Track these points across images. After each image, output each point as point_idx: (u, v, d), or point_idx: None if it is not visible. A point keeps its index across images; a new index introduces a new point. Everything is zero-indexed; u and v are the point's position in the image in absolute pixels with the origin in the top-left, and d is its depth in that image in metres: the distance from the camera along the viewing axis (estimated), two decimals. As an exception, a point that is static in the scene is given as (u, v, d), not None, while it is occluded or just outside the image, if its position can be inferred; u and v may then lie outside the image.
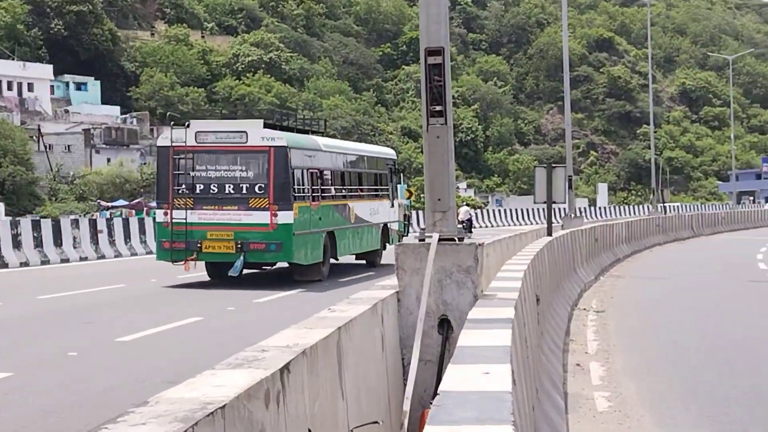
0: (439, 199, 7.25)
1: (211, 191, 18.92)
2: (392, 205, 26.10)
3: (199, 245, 18.96)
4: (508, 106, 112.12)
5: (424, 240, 7.24)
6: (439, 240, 7.12)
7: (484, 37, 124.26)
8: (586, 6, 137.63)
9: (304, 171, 19.64)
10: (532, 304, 9.43)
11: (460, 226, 30.35)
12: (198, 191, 19.01)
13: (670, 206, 75.07)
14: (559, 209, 58.97)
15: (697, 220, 48.89)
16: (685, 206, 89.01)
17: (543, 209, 35.32)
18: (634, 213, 74.51)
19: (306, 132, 21.83)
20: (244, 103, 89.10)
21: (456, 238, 7.20)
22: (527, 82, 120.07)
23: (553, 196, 20.36)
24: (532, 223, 58.02)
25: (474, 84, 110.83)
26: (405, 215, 29.13)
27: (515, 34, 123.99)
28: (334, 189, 21.42)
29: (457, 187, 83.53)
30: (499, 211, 63.70)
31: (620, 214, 73.18)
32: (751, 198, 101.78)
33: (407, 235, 28.17)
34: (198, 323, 13.78)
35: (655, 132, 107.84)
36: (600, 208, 75.81)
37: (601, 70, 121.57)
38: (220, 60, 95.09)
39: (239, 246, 18.73)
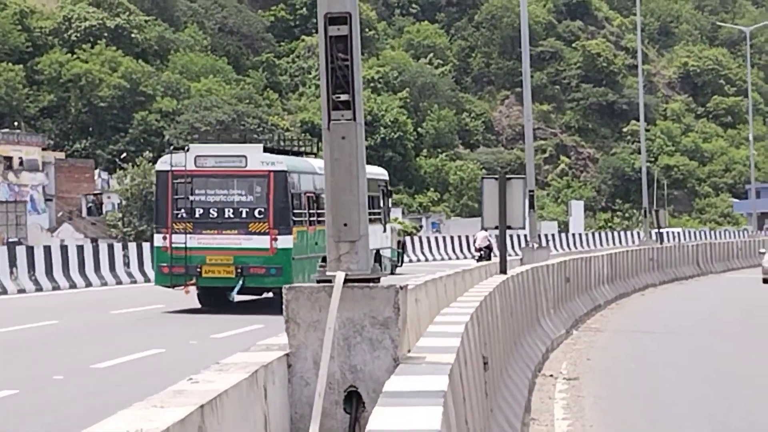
0: (345, 225, 7.26)
1: (211, 215, 25.22)
2: (384, 230, 33.16)
3: (198, 270, 25.22)
4: (449, 94, 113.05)
5: (325, 281, 7.24)
6: (346, 281, 7.11)
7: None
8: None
9: (302, 195, 25.98)
10: (477, 370, 9.47)
11: (477, 254, 31.29)
12: (197, 215, 25.30)
13: (668, 233, 76.42)
14: (518, 237, 59.69)
15: (705, 252, 49.90)
16: (689, 233, 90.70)
17: (495, 237, 35.46)
18: (620, 242, 75.68)
19: (300, 154, 28.22)
20: (79, 86, 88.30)
21: (369, 279, 7.21)
22: (474, 60, 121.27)
23: (508, 219, 20.54)
24: (465, 257, 58.43)
25: (401, 62, 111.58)
26: (399, 242, 36.53)
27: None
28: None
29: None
30: (436, 238, 64.10)
31: (601, 244, 74.25)
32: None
33: (401, 265, 36.19)
34: (158, 355, 18.25)
35: (647, 131, 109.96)
36: (574, 235, 76.83)
37: (574, 45, 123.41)
38: (45, 26, 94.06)
39: (239, 270, 25.00)
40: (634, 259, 38.04)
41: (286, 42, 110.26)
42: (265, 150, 26.12)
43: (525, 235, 39.05)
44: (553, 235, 72.93)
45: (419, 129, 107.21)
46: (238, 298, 25.75)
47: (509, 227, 20.63)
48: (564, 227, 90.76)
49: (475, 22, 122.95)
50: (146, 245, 40.23)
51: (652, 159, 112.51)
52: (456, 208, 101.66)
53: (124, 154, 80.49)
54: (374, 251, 30.88)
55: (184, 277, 25.36)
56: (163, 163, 26.15)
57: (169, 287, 26.05)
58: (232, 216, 25.21)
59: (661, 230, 56.46)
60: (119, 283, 37.89)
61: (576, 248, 68.06)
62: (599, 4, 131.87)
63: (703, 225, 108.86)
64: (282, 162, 25.62)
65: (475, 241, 38.19)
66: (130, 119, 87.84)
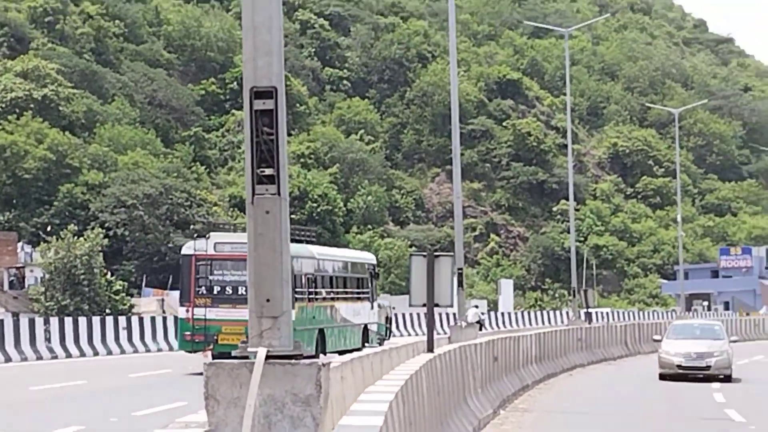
0: (267, 300, 7.24)
1: (227, 292, 30.47)
2: (372, 307, 38.66)
3: (215, 338, 30.36)
4: (379, 170, 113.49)
5: (245, 357, 7.20)
6: (268, 357, 7.08)
7: (346, 73, 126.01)
8: (484, 36, 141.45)
9: (303, 276, 31.41)
10: (401, 449, 9.42)
11: (464, 324, 32.65)
12: (215, 292, 30.56)
13: (597, 313, 76.93)
14: (447, 315, 59.72)
15: (633, 332, 50.19)
16: (618, 313, 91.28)
17: (423, 314, 35.50)
18: (550, 321, 75.98)
19: (301, 242, 32.96)
20: (3, 157, 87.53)
21: (292, 356, 7.18)
22: (405, 137, 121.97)
23: (435, 297, 20.56)
24: (410, 334, 58.41)
25: (332, 137, 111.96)
26: (387, 317, 42.12)
27: (389, 70, 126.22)
28: (324, 291, 33.82)
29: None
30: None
31: (530, 323, 74.46)
32: (706, 303, 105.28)
33: (389, 338, 40.73)
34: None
35: (577, 210, 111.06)
36: (503, 313, 77.02)
37: (504, 123, 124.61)
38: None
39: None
40: (562, 338, 38.16)
41: (216, 116, 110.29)
42: None
43: (453, 314, 39.10)
44: (482, 314, 72.96)
45: (349, 205, 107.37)
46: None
47: (437, 305, 20.66)
48: (494, 306, 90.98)
49: (406, 99, 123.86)
50: (68, 320, 39.97)
51: (582, 239, 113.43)
52: (385, 286, 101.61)
53: (49, 227, 79.76)
54: (363, 326, 37.55)
55: (204, 344, 30.48)
56: (187, 248, 31.75)
57: (190, 352, 31.02)
58: (244, 293, 27.72)
59: (589, 310, 56.82)
60: (39, 358, 37.39)
61: (505, 327, 68.24)
62: (530, 84, 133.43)
63: (632, 305, 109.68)
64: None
65: (466, 317, 40.33)
66: (56, 192, 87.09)
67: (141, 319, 45.95)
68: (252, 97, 7.20)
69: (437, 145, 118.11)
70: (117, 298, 69.27)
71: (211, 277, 30.73)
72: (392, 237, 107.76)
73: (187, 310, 30.91)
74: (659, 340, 36.12)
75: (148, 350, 43.25)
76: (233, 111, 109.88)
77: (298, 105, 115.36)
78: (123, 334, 42.71)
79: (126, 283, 74.87)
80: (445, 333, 41.86)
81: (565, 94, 66.88)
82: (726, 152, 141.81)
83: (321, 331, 32.30)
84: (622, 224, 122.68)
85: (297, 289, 30.62)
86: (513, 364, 28.64)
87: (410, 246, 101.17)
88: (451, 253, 22.89)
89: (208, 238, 31.03)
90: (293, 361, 7.20)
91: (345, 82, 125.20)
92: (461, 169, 33.60)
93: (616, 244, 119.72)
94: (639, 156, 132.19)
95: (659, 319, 76.30)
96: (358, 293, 37.55)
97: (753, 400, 28.53)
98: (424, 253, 21.10)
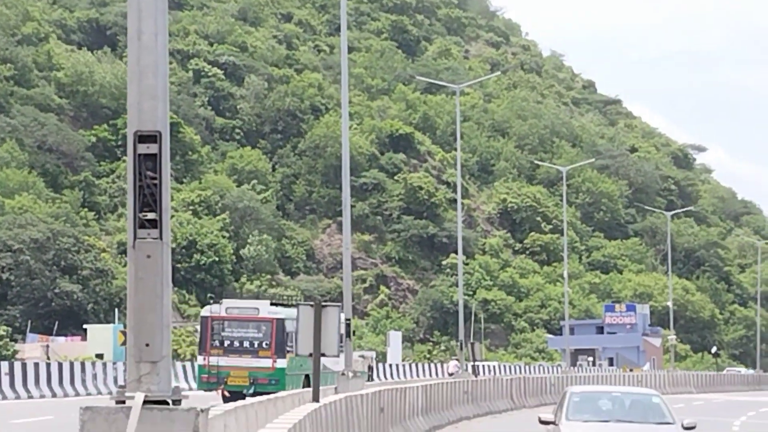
0: (147, 345, 7.16)
1: (235, 345, 38.96)
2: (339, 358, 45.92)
3: (225, 380, 38.87)
4: (270, 220, 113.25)
5: (123, 402, 7.11)
6: (146, 402, 7.00)
7: (238, 123, 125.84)
8: (378, 90, 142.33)
9: (292, 333, 35.48)
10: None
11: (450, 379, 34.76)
12: (226, 345, 39.06)
13: (484, 366, 77.34)
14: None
15: (519, 386, 50.49)
16: (505, 366, 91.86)
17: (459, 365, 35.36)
18: (438, 374, 76.14)
19: (293, 306, 37.26)
20: None
21: (170, 401, 7.10)
22: (297, 187, 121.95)
23: (322, 347, 20.54)
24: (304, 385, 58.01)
25: (223, 186, 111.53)
26: (369, 366, 52.42)
27: (282, 121, 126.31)
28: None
29: (196, 330, 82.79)
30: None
31: (418, 374, 74.54)
32: (591, 358, 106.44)
33: (371, 382, 46.45)
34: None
35: (466, 264, 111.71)
36: (391, 365, 77.04)
37: (396, 177, 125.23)
38: None
39: (252, 380, 38.52)
40: (448, 391, 38.25)
41: (107, 162, 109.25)
42: (271, 304, 41.74)
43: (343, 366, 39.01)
44: (370, 366, 72.90)
45: (239, 254, 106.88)
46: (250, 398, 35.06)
47: (323, 354, 20.62)
48: (382, 358, 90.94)
49: (298, 150, 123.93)
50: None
51: (471, 293, 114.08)
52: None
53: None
54: (340, 372, 43.69)
55: (216, 384, 39.17)
56: (205, 311, 40.93)
57: (206, 391, 39.48)
58: (248, 346, 39.25)
59: (476, 364, 57.06)
60: None
61: (393, 379, 68.22)
62: (422, 139, 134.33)
63: (519, 359, 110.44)
64: (280, 312, 39.72)
65: (448, 368, 53.70)
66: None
67: (24, 365, 45.13)
68: (136, 140, 7.17)
69: (329, 197, 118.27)
70: (0, 343, 67.99)
71: (222, 334, 39.47)
72: (282, 287, 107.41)
73: (204, 358, 39.88)
74: (550, 422, 20.11)
75: (30, 396, 42.44)
76: (124, 157, 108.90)
77: (190, 153, 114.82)
78: (5, 379, 41.89)
79: (10, 328, 73.56)
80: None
81: (456, 150, 67.43)
82: (612, 210, 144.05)
83: (306, 376, 38.20)
84: (510, 279, 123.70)
85: (289, 344, 38.56)
86: (399, 416, 28.63)
87: (300, 296, 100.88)
88: (339, 304, 22.87)
89: (221, 303, 40.97)
90: (171, 406, 7.13)
91: (238, 131, 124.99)
92: (352, 221, 33.65)
93: (504, 299, 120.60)
94: (528, 212, 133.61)
95: (545, 373, 76.92)
96: (336, 342, 43.88)
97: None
98: (312, 303, 21.09)
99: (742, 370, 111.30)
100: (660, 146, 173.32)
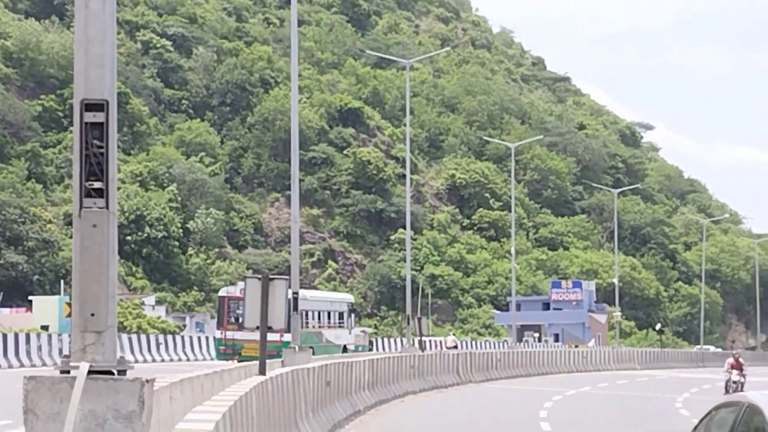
0: (92, 315, 7.12)
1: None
2: (350, 333, 55.20)
3: (239, 351, 44.97)
4: (218, 193, 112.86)
5: (67, 372, 7.07)
6: (91, 372, 6.96)
7: (187, 95, 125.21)
8: (327, 64, 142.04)
9: (300, 311, 39.56)
10: (226, 470, 9.36)
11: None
12: (240, 321, 40.52)
13: (431, 341, 77.55)
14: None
15: (466, 361, 50.75)
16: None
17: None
18: (384, 348, 76.36)
19: (305, 287, 51.22)
20: None
21: (115, 371, 7.07)
22: (245, 161, 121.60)
23: (269, 320, 20.50)
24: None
25: (171, 158, 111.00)
26: (369, 341, 60.28)
27: (231, 94, 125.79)
28: (313, 322, 49.63)
29: (143, 303, 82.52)
30: (200, 338, 63.48)
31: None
32: (537, 334, 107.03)
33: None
34: None
35: (414, 240, 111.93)
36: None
37: (345, 151, 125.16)
38: None
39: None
40: (395, 365, 38.38)
41: (54, 132, 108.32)
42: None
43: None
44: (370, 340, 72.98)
45: (187, 227, 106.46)
46: None
47: (270, 328, 20.60)
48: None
49: (248, 123, 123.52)
50: None
51: (418, 268, 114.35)
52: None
53: None
54: (342, 345, 53.29)
55: (231, 355, 45.31)
56: (222, 291, 49.95)
57: (223, 360, 45.08)
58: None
59: (423, 339, 57.27)
60: None
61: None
62: (371, 113, 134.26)
63: (465, 335, 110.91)
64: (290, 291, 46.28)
65: (445, 343, 58.77)
66: None
67: (-33, 336, 44.82)
68: (82, 109, 7.11)
69: (277, 170, 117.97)
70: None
71: (237, 311, 44.51)
72: (231, 260, 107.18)
73: (222, 333, 47.66)
74: None
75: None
76: (71, 128, 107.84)
77: (138, 124, 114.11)
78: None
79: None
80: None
81: (405, 125, 67.42)
82: (560, 187, 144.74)
83: (312, 348, 42.98)
84: (458, 255, 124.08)
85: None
86: (345, 390, 28.70)
87: (248, 269, 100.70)
88: (286, 277, 22.86)
89: (236, 284, 48.91)
90: (116, 376, 7.10)
91: (186, 103, 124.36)
92: (301, 195, 33.60)
93: (452, 274, 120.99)
94: (476, 188, 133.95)
95: (491, 349, 77.33)
96: (339, 323, 54.58)
97: (577, 427, 29.08)
98: (259, 276, 21.06)
99: (711, 348, 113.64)
100: (608, 124, 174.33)
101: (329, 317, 53.51)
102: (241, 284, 42.60)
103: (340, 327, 54.15)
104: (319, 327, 51.41)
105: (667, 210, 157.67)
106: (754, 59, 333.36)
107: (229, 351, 45.39)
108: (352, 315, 57.12)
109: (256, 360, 39.38)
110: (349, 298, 61.23)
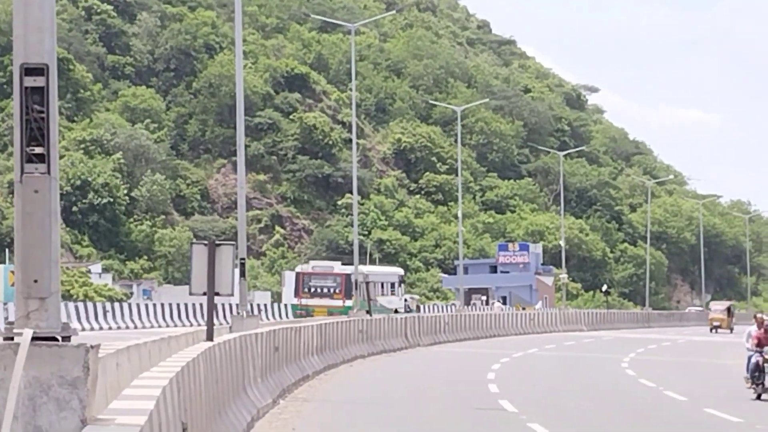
0: (35, 281, 7.07)
1: (318, 291, 61.13)
2: (400, 299, 68.48)
3: (311, 314, 58.13)
4: (164, 160, 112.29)
5: (11, 338, 7.02)
6: (35, 339, 6.92)
7: (131, 60, 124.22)
8: (272, 29, 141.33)
9: (358, 283, 55.01)
10: (174, 436, 9.35)
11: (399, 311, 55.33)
12: (312, 291, 62.13)
13: (380, 306, 77.55)
14: (229, 305, 59.50)
15: (414, 325, 50.97)
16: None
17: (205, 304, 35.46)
18: (332, 313, 76.39)
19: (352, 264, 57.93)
20: None
21: (59, 338, 7.03)
22: (191, 127, 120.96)
23: (216, 286, 20.47)
24: (193, 324, 58.04)
25: (116, 125, 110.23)
26: (417, 305, 75.52)
27: (175, 59, 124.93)
28: (370, 290, 56.56)
29: (89, 271, 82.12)
30: (147, 305, 63.28)
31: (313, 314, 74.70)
32: (484, 297, 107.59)
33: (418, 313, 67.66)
34: None
35: (361, 204, 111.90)
36: (286, 305, 77.15)
37: (291, 116, 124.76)
38: None
39: (329, 314, 52.87)
40: (343, 330, 38.48)
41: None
42: (343, 264, 64.48)
43: (236, 304, 39.12)
44: (266, 306, 73.04)
45: (132, 194, 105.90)
46: None
47: (217, 294, 20.57)
48: (278, 298, 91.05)
49: (193, 89, 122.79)
50: None
51: (366, 232, 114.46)
52: (168, 276, 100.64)
53: None
54: (394, 309, 64.94)
55: (305, 317, 53.78)
56: (298, 268, 65.22)
57: None
58: (325, 291, 59.65)
59: (370, 302, 57.45)
60: None
61: (288, 318, 68.40)
62: (317, 78, 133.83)
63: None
64: (347, 269, 60.59)
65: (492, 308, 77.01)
66: None
67: None
68: (22, 73, 7.04)
69: (223, 136, 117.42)
70: None
71: (309, 283, 60.53)
72: (177, 227, 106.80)
73: (298, 300, 62.09)
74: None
75: None
76: (13, 95, 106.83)
77: (81, 91, 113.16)
78: None
79: None
80: (228, 323, 41.87)
81: (351, 89, 67.34)
82: (506, 151, 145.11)
83: (367, 311, 51.76)
84: (405, 219, 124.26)
85: (353, 290, 57.19)
86: (294, 355, 28.75)
87: (195, 236, 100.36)
88: (233, 242, 22.82)
89: (308, 263, 66.21)
90: (60, 342, 7.06)
91: (130, 69, 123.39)
92: (247, 161, 33.53)
93: (399, 239, 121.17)
94: (423, 152, 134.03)
95: (439, 312, 77.68)
96: (391, 291, 69.16)
97: (524, 389, 29.32)
98: (205, 242, 21.00)
99: (693, 308, 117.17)
100: (553, 87, 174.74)
101: (382, 287, 67.80)
102: (312, 263, 60.20)
103: (392, 294, 68.63)
104: (375, 295, 63.49)
105: (613, 172, 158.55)
106: (698, 21, 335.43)
107: (303, 314, 56.20)
108: (402, 285, 73.15)
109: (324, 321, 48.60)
110: (400, 271, 76.20)
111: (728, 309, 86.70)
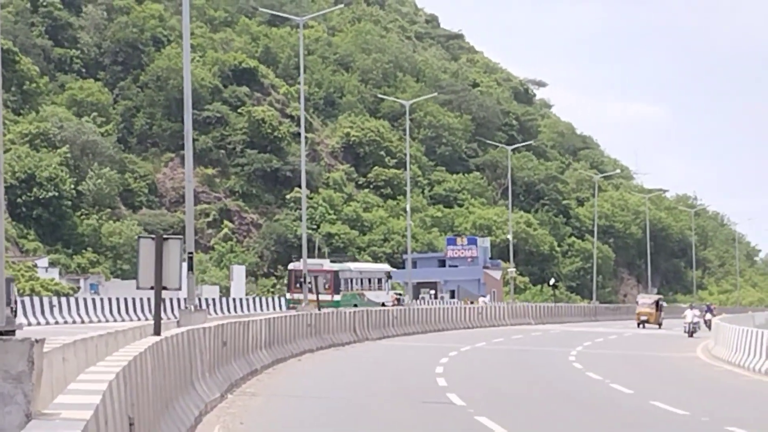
0: (-21, 275, 6.98)
1: (309, 285, 57.20)
2: (386, 293, 74.50)
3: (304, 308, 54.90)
4: (111, 153, 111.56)
5: (-45, 334, 6.93)
6: (-21, 334, 6.84)
7: (77, 53, 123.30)
8: (221, 22, 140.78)
9: (346, 279, 69.99)
10: (121, 430, 9.28)
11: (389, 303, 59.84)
12: (301, 286, 59.70)
13: (367, 300, 77.53)
14: (177, 300, 59.25)
15: (362, 319, 50.96)
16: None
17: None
18: (281, 307, 76.30)
19: (343, 261, 75.79)
20: None
21: (4, 332, 6.96)
22: (138, 120, 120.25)
23: (164, 280, 20.37)
24: (140, 319, 57.77)
25: (62, 118, 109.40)
26: (399, 300, 79.69)
27: (122, 53, 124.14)
28: (357, 286, 71.04)
29: (35, 265, 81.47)
30: (94, 300, 62.92)
31: (261, 308, 74.67)
32: (433, 291, 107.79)
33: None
34: None
35: (310, 198, 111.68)
36: (234, 299, 76.96)
37: (240, 110, 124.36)
38: None
39: (320, 306, 52.86)
40: (292, 324, 38.40)
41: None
42: (331, 261, 72.70)
43: (184, 298, 38.91)
44: (214, 300, 72.84)
45: (79, 188, 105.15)
46: None
47: (165, 288, 20.46)
48: (226, 292, 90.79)
49: (140, 82, 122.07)
50: None
51: (314, 227, 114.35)
52: (116, 271, 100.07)
53: None
54: (381, 303, 69.46)
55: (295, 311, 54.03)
56: (291, 266, 70.96)
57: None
58: (317, 286, 59.55)
59: (320, 297, 57.42)
60: None
61: (236, 312, 68.23)
62: (266, 72, 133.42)
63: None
64: (335, 266, 69.45)
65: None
66: None
67: None
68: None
69: (171, 130, 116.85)
70: None
71: (301, 279, 60.06)
72: (125, 221, 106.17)
73: (290, 294, 67.24)
74: None
75: None
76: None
77: (27, 84, 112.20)
78: None
79: None
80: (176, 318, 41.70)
81: (300, 83, 67.18)
82: (455, 145, 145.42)
83: (354, 305, 61.29)
84: (354, 213, 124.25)
85: (341, 286, 68.47)
86: (242, 349, 28.66)
87: (143, 230, 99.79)
88: (181, 236, 22.71)
89: (299, 260, 64.82)
90: (5, 337, 6.98)
91: (77, 62, 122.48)
92: (195, 155, 33.38)
93: (348, 233, 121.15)
94: (371, 146, 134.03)
95: (387, 306, 77.60)
96: (378, 286, 74.30)
97: (472, 382, 29.38)
98: (153, 236, 20.88)
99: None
100: (501, 81, 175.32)
101: (370, 282, 73.45)
102: (303, 261, 58.40)
103: (379, 289, 73.76)
104: (361, 289, 71.31)
105: (560, 166, 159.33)
106: (644, 15, 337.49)
107: (294, 308, 58.29)
108: (389, 280, 77.39)
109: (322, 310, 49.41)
110: (387, 268, 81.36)
111: (656, 303, 79.10)
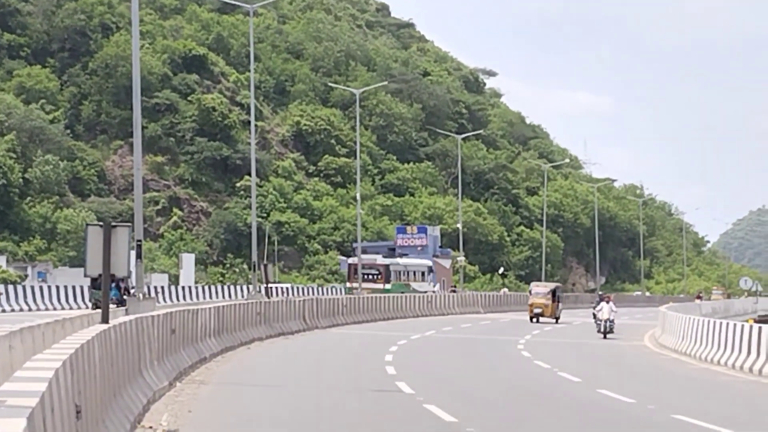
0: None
1: (366, 276, 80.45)
2: (429, 284, 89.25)
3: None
4: (60, 140, 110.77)
5: None
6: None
7: (26, 40, 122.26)
8: (170, 9, 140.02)
9: (395, 271, 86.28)
10: (68, 417, 9.24)
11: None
12: (362, 276, 77.87)
13: (277, 288, 77.57)
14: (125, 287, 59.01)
15: (312, 307, 50.96)
16: (298, 288, 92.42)
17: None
18: (230, 296, 76.18)
19: (395, 256, 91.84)
20: None
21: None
22: (87, 107, 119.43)
23: (112, 268, 20.26)
24: (88, 306, 57.42)
25: (10, 105, 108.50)
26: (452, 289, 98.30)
27: (71, 39, 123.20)
28: (404, 277, 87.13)
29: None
30: (42, 288, 62.52)
31: (211, 296, 74.51)
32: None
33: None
34: None
35: (260, 186, 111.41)
36: (184, 287, 76.72)
37: (189, 98, 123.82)
38: None
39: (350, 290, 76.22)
40: (241, 312, 38.33)
41: None
42: (383, 257, 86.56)
43: (132, 286, 38.75)
44: (163, 288, 72.57)
45: (26, 175, 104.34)
46: None
47: (113, 276, 20.35)
48: (175, 280, 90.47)
49: (89, 69, 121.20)
50: None
51: (264, 215, 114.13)
52: (64, 258, 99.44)
53: None
54: (426, 291, 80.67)
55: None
56: (351, 260, 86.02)
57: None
58: (371, 276, 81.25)
59: (269, 285, 57.29)
60: None
61: (185, 301, 68.03)
62: (216, 59, 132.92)
63: (312, 281, 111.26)
64: (386, 260, 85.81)
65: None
66: None
67: None
68: None
69: (120, 117, 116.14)
70: None
71: (361, 270, 74.78)
72: (73, 208, 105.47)
73: (350, 283, 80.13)
74: None
75: None
76: None
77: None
78: None
79: None
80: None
81: (250, 71, 66.96)
82: (405, 134, 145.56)
83: (402, 292, 73.03)
84: (304, 201, 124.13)
85: (391, 277, 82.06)
86: (191, 337, 28.58)
87: (93, 218, 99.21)
88: (129, 224, 22.60)
89: (356, 256, 78.58)
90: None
91: (25, 49, 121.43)
92: (144, 142, 33.26)
93: (298, 221, 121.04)
94: (322, 135, 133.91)
95: (337, 294, 77.74)
96: (422, 278, 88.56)
97: (421, 371, 29.47)
98: (101, 224, 20.77)
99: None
100: (451, 70, 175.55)
101: (415, 274, 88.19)
102: (365, 256, 75.46)
103: (422, 281, 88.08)
104: (407, 280, 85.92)
105: (510, 155, 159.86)
106: (592, 7, 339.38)
107: (351, 293, 70.34)
108: (432, 273, 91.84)
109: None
110: (429, 263, 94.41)
111: (553, 292, 63.60)
